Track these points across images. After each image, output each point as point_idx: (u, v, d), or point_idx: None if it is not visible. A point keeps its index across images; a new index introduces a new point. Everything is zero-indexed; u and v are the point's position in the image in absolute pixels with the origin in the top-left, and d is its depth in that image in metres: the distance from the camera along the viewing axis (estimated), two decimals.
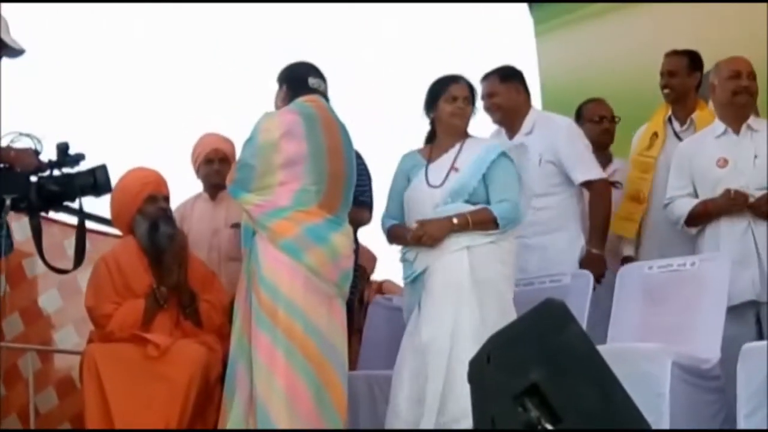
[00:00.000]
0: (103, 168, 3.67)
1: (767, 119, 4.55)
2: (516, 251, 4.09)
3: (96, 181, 3.65)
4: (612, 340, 4.05)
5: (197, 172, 4.86)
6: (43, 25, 6.51)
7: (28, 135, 3.57)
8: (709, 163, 4.41)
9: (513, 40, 7.37)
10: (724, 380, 3.81)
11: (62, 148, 3.61)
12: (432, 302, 3.88)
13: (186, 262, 4.36)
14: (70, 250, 3.99)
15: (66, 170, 3.63)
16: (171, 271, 4.29)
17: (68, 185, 3.61)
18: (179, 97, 7.75)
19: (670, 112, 4.92)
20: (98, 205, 4.20)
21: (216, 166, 4.77)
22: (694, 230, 4.47)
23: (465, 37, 8.12)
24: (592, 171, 4.58)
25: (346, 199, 4.03)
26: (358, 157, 4.26)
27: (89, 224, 4.60)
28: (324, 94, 4.15)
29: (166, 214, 4.44)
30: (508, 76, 4.66)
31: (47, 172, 3.60)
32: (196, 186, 4.94)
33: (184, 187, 4.96)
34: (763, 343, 3.60)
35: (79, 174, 3.64)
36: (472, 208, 3.98)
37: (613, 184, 5.04)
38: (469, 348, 3.16)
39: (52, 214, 4.70)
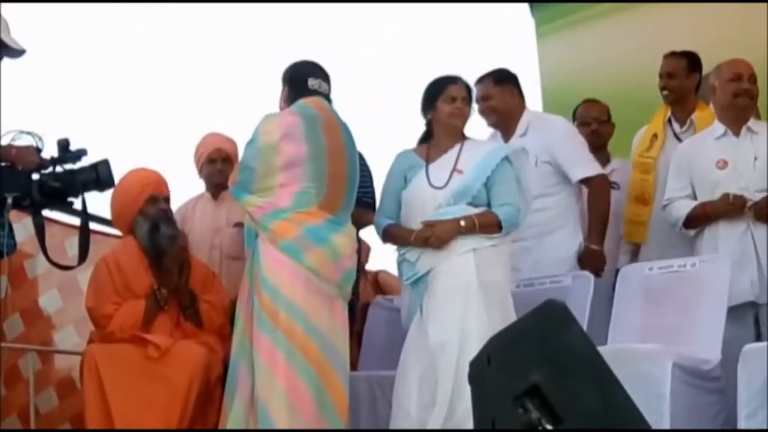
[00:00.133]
0: (105, 163, 3.66)
1: None
2: (511, 254, 4.10)
3: (99, 176, 3.64)
4: (612, 341, 4.05)
5: (200, 171, 4.86)
6: (43, 24, 6.51)
7: (29, 133, 3.56)
8: (708, 164, 4.41)
9: (514, 40, 7.37)
10: (725, 381, 3.81)
11: (63, 145, 3.60)
12: (438, 304, 3.87)
13: (188, 264, 4.36)
14: (71, 251, 4.00)
15: (68, 166, 3.62)
16: (171, 273, 4.29)
17: (70, 181, 3.60)
18: (180, 96, 7.75)
19: (669, 114, 4.92)
20: (98, 205, 4.20)
21: (218, 165, 4.77)
22: (692, 232, 4.47)
23: (465, 38, 8.12)
24: (590, 167, 4.57)
25: (347, 199, 4.02)
26: (360, 157, 4.25)
27: (90, 224, 4.60)
28: (325, 95, 4.15)
29: (167, 215, 4.44)
30: (502, 79, 4.65)
31: (49, 169, 3.60)
32: (197, 186, 4.95)
33: (185, 187, 4.97)
34: (764, 344, 3.60)
35: (81, 169, 3.62)
36: (475, 210, 3.98)
37: (611, 184, 5.04)
38: (477, 350, 3.15)
39: (53, 215, 4.71)
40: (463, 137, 4.18)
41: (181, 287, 4.31)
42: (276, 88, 4.25)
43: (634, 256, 4.94)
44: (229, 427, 3.91)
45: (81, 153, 3.63)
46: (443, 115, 4.13)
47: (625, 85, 6.11)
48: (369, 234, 4.59)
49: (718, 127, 4.47)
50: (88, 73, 7.66)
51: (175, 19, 7.80)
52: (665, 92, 4.91)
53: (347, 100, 4.28)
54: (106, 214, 4.58)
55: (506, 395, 2.42)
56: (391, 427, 3.91)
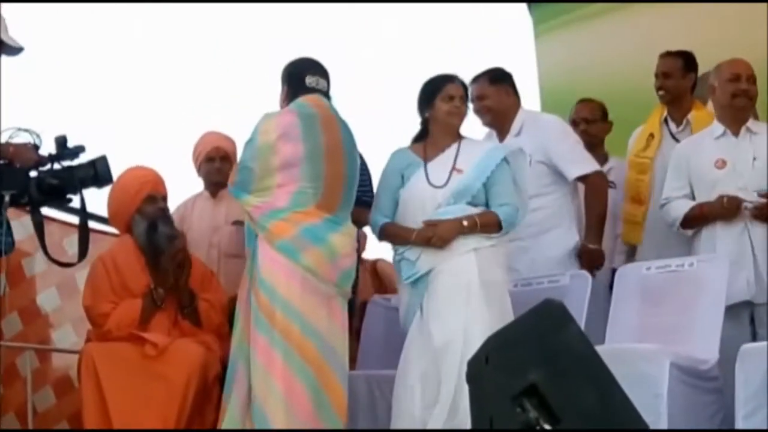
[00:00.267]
0: (103, 159, 3.65)
1: (767, 120, 4.56)
2: (508, 254, 4.11)
3: (97, 173, 3.63)
4: (610, 341, 4.05)
5: (198, 170, 4.87)
6: (41, 22, 6.51)
7: (26, 130, 3.55)
8: (707, 163, 4.42)
9: (512, 40, 7.37)
10: (722, 381, 3.81)
11: (61, 141, 3.60)
12: (440, 304, 3.86)
13: (188, 263, 4.35)
14: (70, 249, 3.99)
15: (66, 163, 3.62)
16: (168, 273, 4.28)
17: (68, 178, 3.60)
18: (179, 94, 7.74)
19: (666, 113, 4.92)
20: (95, 203, 4.19)
21: (217, 164, 4.78)
22: (689, 232, 4.48)
23: (463, 37, 8.12)
24: (585, 165, 4.56)
25: (346, 198, 4.01)
26: (359, 156, 4.25)
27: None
28: (324, 92, 4.14)
29: (165, 215, 4.44)
30: (497, 79, 4.64)
31: (47, 166, 3.59)
32: (195, 185, 4.95)
33: (182, 185, 4.96)
34: (762, 344, 3.60)
35: (79, 166, 3.62)
36: (475, 210, 3.98)
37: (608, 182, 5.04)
38: None
39: (51, 213, 4.70)
40: (459, 136, 4.18)
41: (180, 286, 4.30)
42: (275, 87, 4.25)
43: (631, 255, 4.94)
44: (224, 427, 3.90)
45: (79, 150, 3.62)
46: (441, 114, 4.12)
47: (623, 85, 6.11)
48: (367, 231, 4.58)
49: (718, 127, 4.48)
50: (85, 70, 7.66)
51: (174, 18, 7.79)
52: (661, 92, 4.91)
53: (346, 99, 4.27)
54: (103, 212, 4.57)
55: (504, 395, 2.42)
56: (393, 427, 3.90)
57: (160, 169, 4.53)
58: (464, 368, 3.58)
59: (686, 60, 4.89)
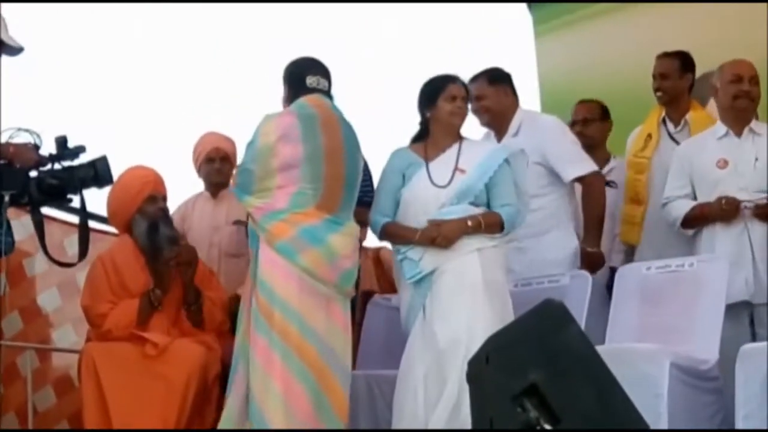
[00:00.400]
0: (103, 159, 3.65)
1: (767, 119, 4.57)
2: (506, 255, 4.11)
3: (97, 173, 3.64)
4: (610, 341, 4.05)
5: (198, 170, 4.87)
6: (41, 22, 6.51)
7: (27, 130, 3.56)
8: (709, 163, 4.42)
9: (512, 40, 7.36)
10: (722, 381, 3.81)
11: (61, 142, 3.60)
12: (445, 304, 3.85)
13: (196, 259, 4.36)
14: (71, 249, 4.00)
15: (66, 163, 3.62)
16: (165, 275, 4.28)
17: (69, 178, 3.60)
18: (179, 94, 7.75)
19: (664, 114, 4.92)
20: (95, 202, 4.20)
21: (217, 164, 4.79)
22: (690, 231, 4.48)
23: (464, 37, 8.12)
24: (582, 166, 4.54)
25: (346, 198, 4.00)
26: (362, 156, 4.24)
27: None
28: (325, 91, 4.14)
29: (166, 215, 4.44)
30: (496, 79, 4.62)
31: (47, 166, 3.60)
32: (195, 185, 4.95)
33: (182, 185, 4.97)
34: (762, 344, 3.60)
35: (80, 166, 3.62)
36: (477, 210, 3.98)
37: (608, 183, 5.04)
38: None
39: (52, 213, 4.70)
40: (460, 137, 4.18)
41: (186, 282, 4.31)
42: (276, 87, 4.25)
43: (629, 254, 4.93)
44: (220, 426, 3.91)
45: (79, 150, 3.62)
46: (444, 114, 4.12)
47: (624, 85, 6.10)
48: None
49: (720, 128, 4.48)
50: (86, 70, 7.66)
51: (174, 17, 7.80)
52: (659, 93, 4.91)
53: (346, 99, 4.27)
54: (104, 211, 4.57)
55: (504, 395, 2.42)
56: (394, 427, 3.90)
57: (158, 168, 4.53)
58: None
59: (683, 61, 4.89)
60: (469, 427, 3.50)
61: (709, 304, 4.01)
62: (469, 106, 4.35)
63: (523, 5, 7.14)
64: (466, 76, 4.32)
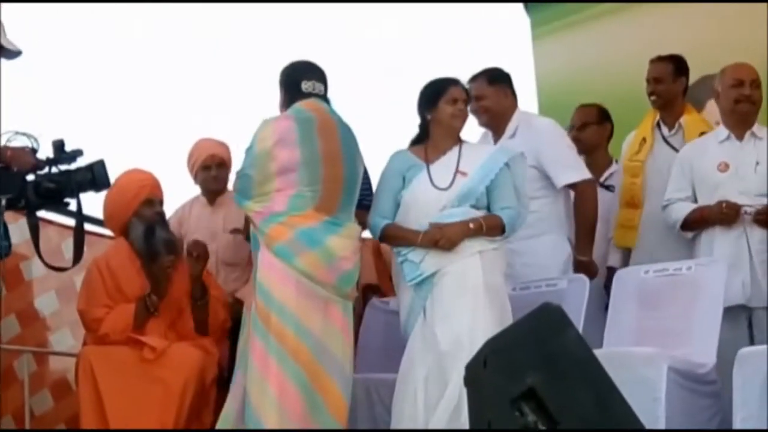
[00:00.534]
0: (101, 163, 3.66)
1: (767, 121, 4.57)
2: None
3: (94, 177, 3.64)
4: (608, 345, 4.05)
5: (194, 178, 4.87)
6: (39, 25, 6.51)
7: (24, 134, 3.56)
8: (709, 166, 4.42)
9: (510, 40, 7.36)
10: (720, 385, 3.81)
11: (58, 145, 3.61)
12: (447, 306, 3.85)
13: (205, 255, 4.38)
14: (68, 253, 3.98)
15: (63, 167, 3.62)
16: (162, 279, 4.28)
17: (66, 182, 3.60)
18: (176, 99, 7.74)
19: (658, 118, 4.93)
20: (92, 206, 4.19)
21: (213, 172, 4.80)
22: (690, 234, 4.48)
23: (461, 40, 8.11)
24: (574, 173, 4.51)
25: (346, 200, 4.00)
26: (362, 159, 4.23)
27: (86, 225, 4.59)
28: (321, 95, 4.14)
29: (162, 219, 4.45)
30: (496, 79, 4.61)
31: (45, 170, 3.60)
32: (192, 188, 4.95)
33: (180, 188, 4.96)
34: (760, 347, 3.60)
35: (77, 170, 3.63)
36: (478, 213, 3.98)
37: (608, 187, 5.04)
38: None
39: (50, 216, 4.70)
40: (459, 139, 4.18)
41: (195, 277, 4.33)
42: (273, 89, 4.25)
43: (626, 255, 4.93)
44: (217, 426, 3.91)
45: (76, 154, 3.63)
46: (445, 116, 4.11)
47: (621, 88, 6.10)
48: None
49: (722, 131, 4.49)
50: (83, 74, 7.66)
51: (172, 20, 7.79)
52: (653, 97, 4.91)
53: (343, 100, 4.27)
54: (101, 214, 4.57)
55: (502, 398, 2.42)
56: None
57: (156, 173, 4.53)
58: None
59: (676, 64, 4.90)
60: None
61: (706, 308, 4.01)
62: (469, 105, 4.34)
63: (520, 7, 7.14)
64: (461, 76, 4.31)
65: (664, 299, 4.15)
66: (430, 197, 4.02)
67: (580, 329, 3.53)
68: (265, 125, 4.01)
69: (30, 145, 3.57)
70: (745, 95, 4.40)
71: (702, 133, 4.71)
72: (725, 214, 4.27)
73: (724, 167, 4.39)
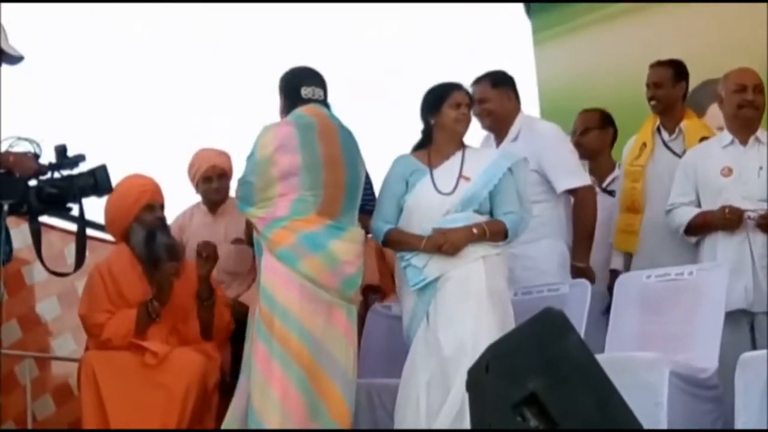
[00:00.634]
0: (103, 168, 3.66)
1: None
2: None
3: (97, 182, 3.64)
4: (610, 349, 4.05)
5: (196, 188, 4.87)
6: (41, 29, 6.52)
7: (26, 139, 3.56)
8: (713, 171, 4.42)
9: (510, 40, 7.36)
10: (722, 390, 3.81)
11: (60, 150, 3.61)
12: (450, 311, 3.84)
13: (214, 255, 4.37)
14: (71, 258, 3.98)
15: (66, 172, 3.62)
16: (164, 284, 4.28)
17: (68, 187, 3.60)
18: (179, 105, 7.75)
19: (658, 122, 4.93)
20: (93, 210, 4.20)
21: (215, 184, 4.80)
22: (693, 239, 4.48)
23: (463, 39, 8.12)
24: (575, 178, 4.50)
25: (348, 204, 4.00)
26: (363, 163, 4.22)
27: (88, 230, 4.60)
28: (321, 101, 4.14)
29: (163, 224, 4.45)
30: (499, 82, 4.59)
31: (47, 175, 3.60)
32: (193, 194, 4.94)
33: (180, 192, 4.96)
34: (761, 352, 3.60)
35: (79, 175, 3.63)
36: (481, 218, 3.97)
37: (611, 192, 5.04)
38: None
39: (53, 221, 4.70)
40: (462, 144, 4.18)
41: (203, 278, 4.33)
42: (274, 91, 4.25)
43: (628, 258, 4.92)
44: (222, 427, 3.92)
45: (79, 159, 3.63)
46: (449, 121, 4.11)
47: (623, 92, 6.09)
48: None
49: (726, 136, 4.49)
50: (86, 79, 7.67)
51: (174, 25, 7.81)
52: (653, 102, 4.91)
53: (343, 102, 4.27)
54: (100, 219, 4.57)
55: (504, 403, 2.42)
56: None
57: (157, 176, 4.54)
58: None
59: (676, 69, 4.90)
60: None
61: (708, 313, 4.01)
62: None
63: (522, 12, 7.14)
64: (462, 80, 4.30)
65: (666, 304, 4.15)
66: (434, 202, 4.01)
67: (582, 334, 3.53)
68: (265, 132, 4.02)
69: (32, 151, 3.57)
70: (748, 100, 4.40)
71: (702, 138, 4.71)
72: (728, 219, 4.27)
73: (727, 172, 4.39)
